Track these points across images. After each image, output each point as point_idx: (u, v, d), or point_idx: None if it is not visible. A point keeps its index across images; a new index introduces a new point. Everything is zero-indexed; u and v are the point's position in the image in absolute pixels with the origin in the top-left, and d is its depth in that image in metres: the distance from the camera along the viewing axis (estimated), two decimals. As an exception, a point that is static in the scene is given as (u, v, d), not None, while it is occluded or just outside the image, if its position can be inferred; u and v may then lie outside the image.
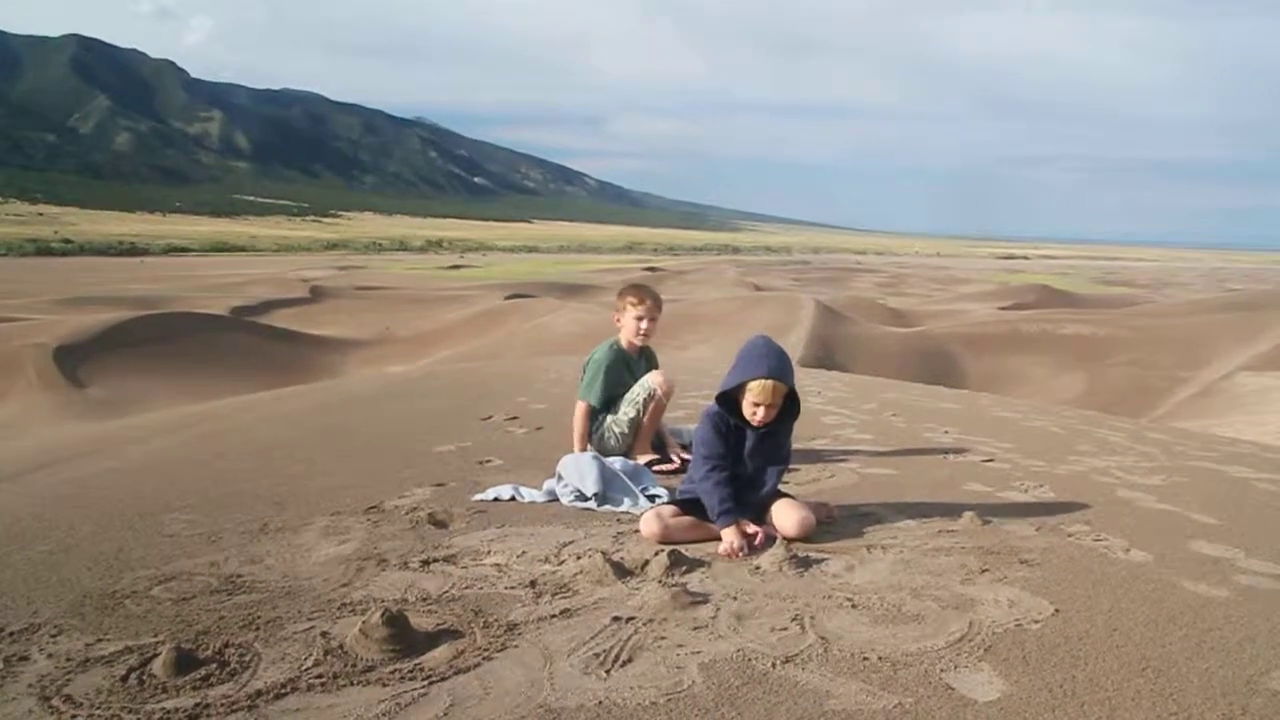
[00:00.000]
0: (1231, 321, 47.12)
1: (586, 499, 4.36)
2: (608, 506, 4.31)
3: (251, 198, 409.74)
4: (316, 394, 10.64)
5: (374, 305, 77.34)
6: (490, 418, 7.24)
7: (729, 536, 3.70)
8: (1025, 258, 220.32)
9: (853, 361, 43.22)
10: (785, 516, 3.85)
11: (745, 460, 3.96)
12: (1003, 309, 71.40)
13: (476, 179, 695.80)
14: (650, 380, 5.25)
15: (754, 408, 3.85)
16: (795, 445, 5.55)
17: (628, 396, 5.26)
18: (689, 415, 6.60)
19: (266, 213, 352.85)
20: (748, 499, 3.93)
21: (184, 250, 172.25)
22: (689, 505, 3.90)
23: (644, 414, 5.23)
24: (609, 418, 5.29)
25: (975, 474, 5.35)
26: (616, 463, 4.72)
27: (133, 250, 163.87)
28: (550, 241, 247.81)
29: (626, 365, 5.38)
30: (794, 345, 43.63)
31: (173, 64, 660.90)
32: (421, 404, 8.68)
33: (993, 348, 46.31)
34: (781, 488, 4.18)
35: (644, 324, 5.30)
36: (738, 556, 3.62)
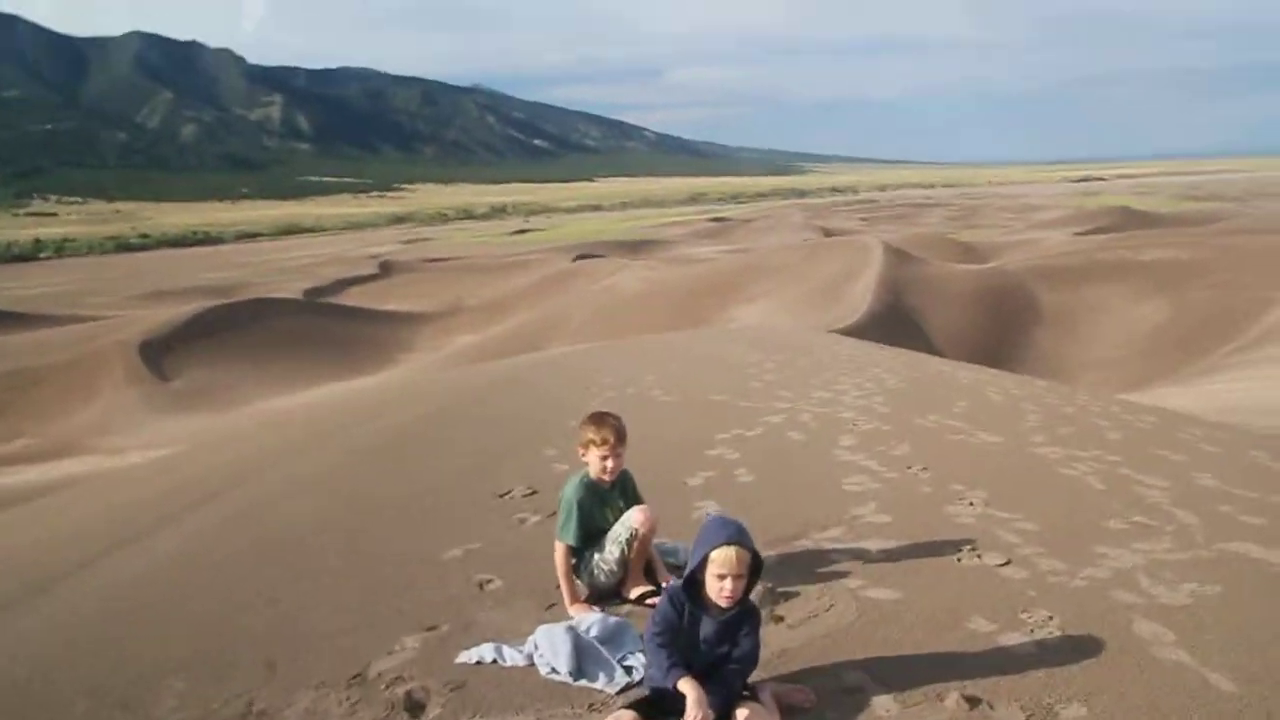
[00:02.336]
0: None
1: (564, 673, 4.28)
2: (584, 681, 4.20)
3: (316, 178, 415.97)
4: (336, 449, 9.74)
5: (442, 276, 78.20)
6: (508, 494, 6.80)
7: (691, 697, 3.53)
8: (1102, 179, 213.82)
9: (924, 305, 42.48)
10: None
11: (700, 647, 3.72)
12: (1079, 235, 69.53)
13: (535, 141, 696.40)
14: (631, 520, 5.09)
15: (719, 581, 3.62)
16: (805, 543, 5.47)
17: (611, 535, 5.11)
18: (680, 523, 5.96)
19: (331, 192, 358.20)
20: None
21: (254, 235, 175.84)
22: (651, 705, 3.72)
23: (629, 552, 5.09)
24: (596, 555, 5.15)
25: (984, 593, 4.71)
26: (594, 627, 4.59)
27: (206, 239, 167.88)
28: (613, 199, 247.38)
29: (600, 499, 5.19)
30: (863, 292, 42.93)
31: (230, 52, 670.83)
32: (438, 463, 8.13)
33: (1069, 280, 45.08)
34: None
35: (609, 462, 5.06)
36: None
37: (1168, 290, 41.80)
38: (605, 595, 5.16)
